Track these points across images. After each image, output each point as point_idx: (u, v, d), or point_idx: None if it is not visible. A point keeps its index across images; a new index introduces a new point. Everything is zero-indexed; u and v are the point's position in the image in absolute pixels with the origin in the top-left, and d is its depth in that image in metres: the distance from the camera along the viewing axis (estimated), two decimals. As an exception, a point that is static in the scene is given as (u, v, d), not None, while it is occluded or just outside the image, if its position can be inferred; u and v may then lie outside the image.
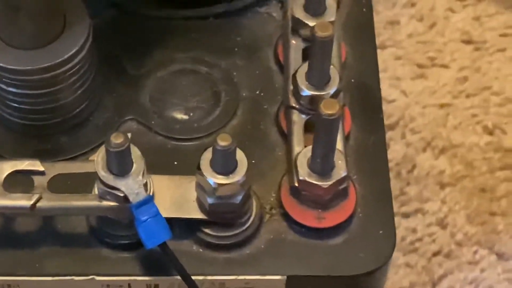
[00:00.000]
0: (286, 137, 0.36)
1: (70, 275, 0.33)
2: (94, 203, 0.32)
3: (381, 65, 0.41)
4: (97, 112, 0.36)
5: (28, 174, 0.32)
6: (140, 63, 0.38)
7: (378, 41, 0.43)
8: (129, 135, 0.31)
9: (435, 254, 0.48)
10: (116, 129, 0.36)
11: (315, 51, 0.33)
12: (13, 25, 0.32)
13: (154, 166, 0.33)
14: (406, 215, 0.49)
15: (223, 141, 0.31)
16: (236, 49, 0.39)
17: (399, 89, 0.54)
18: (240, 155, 0.32)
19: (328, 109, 0.30)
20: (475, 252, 0.48)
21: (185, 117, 0.37)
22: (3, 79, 0.33)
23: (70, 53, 0.33)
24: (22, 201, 0.31)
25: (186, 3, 0.39)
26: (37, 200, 0.31)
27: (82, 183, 0.33)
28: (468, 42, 0.56)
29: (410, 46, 0.56)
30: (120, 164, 0.31)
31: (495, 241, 0.48)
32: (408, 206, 0.49)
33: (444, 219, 0.49)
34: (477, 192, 0.50)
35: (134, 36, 0.39)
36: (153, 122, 0.36)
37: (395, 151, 0.51)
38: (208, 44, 0.39)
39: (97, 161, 0.31)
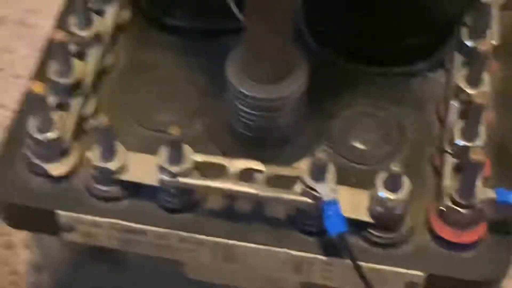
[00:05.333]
0: (438, 173, 0.47)
1: (269, 246, 0.45)
2: (297, 198, 0.44)
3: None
4: (300, 136, 0.49)
5: (253, 172, 0.45)
6: (332, 102, 0.51)
7: None
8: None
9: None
10: (314, 150, 0.47)
11: (471, 114, 0.45)
12: (258, 69, 0.46)
13: (338, 180, 0.45)
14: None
15: (396, 168, 0.43)
16: (407, 101, 0.51)
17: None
18: (405, 179, 0.44)
19: (476, 155, 0.42)
20: None
21: (364, 147, 0.49)
22: (245, 103, 0.46)
23: (294, 89, 0.46)
24: (250, 189, 0.44)
25: (374, 61, 0.52)
26: (259, 190, 0.44)
27: (282, 183, 0.46)
28: None
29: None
30: (321, 174, 0.43)
31: None
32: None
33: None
34: None
35: (330, 81, 0.51)
36: (340, 149, 0.49)
37: None
38: (386, 95, 0.51)
39: (303, 169, 0.44)
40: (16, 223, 0.48)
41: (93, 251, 0.50)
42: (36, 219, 0.47)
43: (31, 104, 0.46)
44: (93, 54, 0.50)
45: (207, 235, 0.46)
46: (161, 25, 0.53)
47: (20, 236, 0.59)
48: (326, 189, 0.44)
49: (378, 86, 0.52)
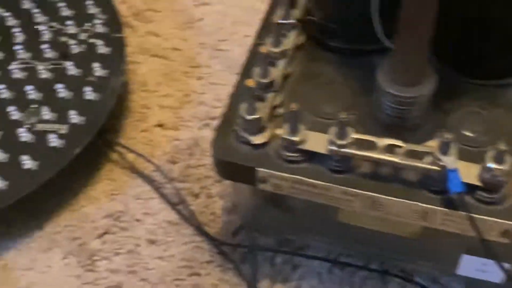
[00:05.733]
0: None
1: (405, 199, 0.46)
2: (428, 166, 0.45)
3: None
4: (426, 125, 0.49)
5: (395, 147, 0.46)
6: (449, 102, 0.51)
7: None
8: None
9: None
10: (435, 136, 0.48)
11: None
12: (401, 75, 0.47)
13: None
14: None
15: (503, 146, 0.43)
16: (503, 104, 0.51)
17: None
18: (508, 155, 0.44)
19: None
20: None
21: (472, 135, 0.49)
22: (390, 100, 0.48)
23: (426, 91, 0.47)
24: (394, 158, 0.45)
25: (479, 75, 0.52)
26: (400, 160, 0.46)
27: (413, 156, 0.47)
28: None
29: None
30: (447, 149, 0.44)
31: None
32: None
33: None
34: None
35: (448, 88, 0.51)
36: (455, 136, 0.48)
37: None
38: (487, 99, 0.51)
39: (434, 146, 0.45)
40: (227, 175, 0.51)
41: (273, 199, 0.53)
42: (241, 173, 0.49)
43: (243, 94, 0.49)
44: (281, 64, 0.52)
45: (360, 189, 0.47)
46: (325, 46, 0.55)
47: (217, 189, 0.61)
48: (450, 161, 0.45)
49: (482, 93, 0.52)
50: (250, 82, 0.46)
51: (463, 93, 0.52)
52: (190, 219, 0.59)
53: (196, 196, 0.61)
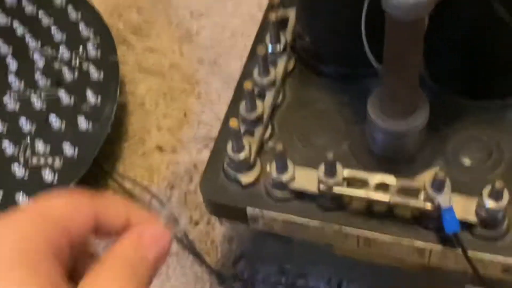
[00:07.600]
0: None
1: (399, 237, 0.44)
2: (421, 205, 0.43)
3: None
4: (421, 154, 0.47)
5: (384, 186, 0.45)
6: (446, 128, 0.49)
7: None
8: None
9: None
10: (432, 165, 0.47)
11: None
12: (391, 108, 0.45)
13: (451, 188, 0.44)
14: None
15: (500, 184, 0.41)
16: (504, 128, 0.48)
17: None
18: (505, 192, 0.42)
19: None
20: None
21: (471, 163, 0.47)
22: (381, 133, 0.46)
23: (418, 124, 0.45)
24: (385, 198, 0.44)
25: (479, 96, 0.49)
26: (392, 199, 0.44)
27: (409, 191, 0.45)
28: None
29: None
30: (440, 187, 0.43)
31: None
32: None
33: None
34: None
35: (444, 112, 0.49)
36: (452, 164, 0.47)
37: None
38: (488, 123, 0.49)
39: (427, 183, 0.43)
40: (218, 214, 0.50)
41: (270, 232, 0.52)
42: (232, 213, 0.48)
43: (229, 133, 0.48)
44: (270, 95, 0.51)
45: (353, 227, 0.46)
46: (316, 71, 0.53)
47: (216, 216, 0.61)
48: (444, 199, 0.43)
49: (483, 116, 0.49)
50: (234, 123, 0.45)
51: (462, 116, 0.49)
52: (190, 248, 0.59)
53: (196, 223, 0.61)
